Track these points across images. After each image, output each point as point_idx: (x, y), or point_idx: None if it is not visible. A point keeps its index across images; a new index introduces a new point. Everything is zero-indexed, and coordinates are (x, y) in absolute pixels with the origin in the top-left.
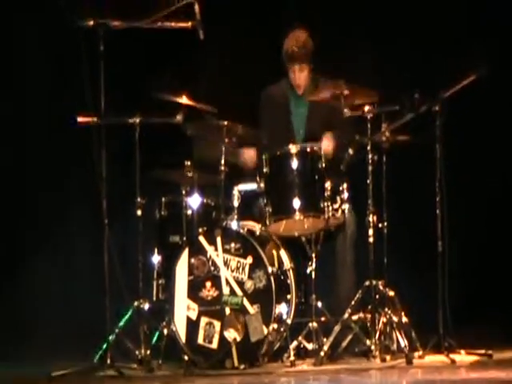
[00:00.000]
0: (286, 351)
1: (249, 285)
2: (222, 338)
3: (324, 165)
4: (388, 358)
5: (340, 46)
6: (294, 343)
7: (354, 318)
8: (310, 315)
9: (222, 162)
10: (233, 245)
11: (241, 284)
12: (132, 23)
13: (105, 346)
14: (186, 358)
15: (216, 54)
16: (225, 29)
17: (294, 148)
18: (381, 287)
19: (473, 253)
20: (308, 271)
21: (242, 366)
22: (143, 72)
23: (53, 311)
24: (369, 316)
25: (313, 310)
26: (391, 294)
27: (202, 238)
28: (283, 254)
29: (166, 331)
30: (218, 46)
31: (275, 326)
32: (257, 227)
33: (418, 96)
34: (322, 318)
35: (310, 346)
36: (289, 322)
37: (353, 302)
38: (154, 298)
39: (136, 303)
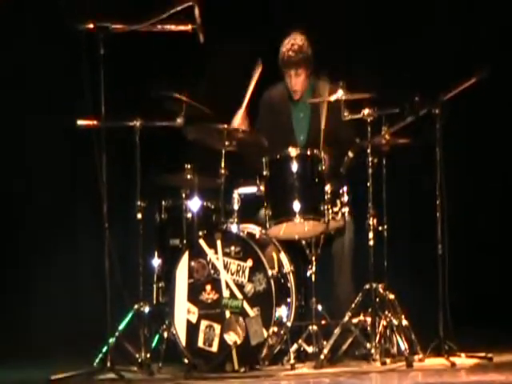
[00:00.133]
0: (286, 354)
1: (249, 288)
2: (222, 341)
3: (324, 168)
4: (388, 361)
5: (340, 47)
6: (294, 346)
7: (354, 321)
8: (310, 318)
9: (222, 165)
10: (233, 248)
11: (241, 287)
12: (132, 26)
13: (105, 349)
14: (186, 361)
15: (216, 57)
16: (225, 32)
17: (293, 151)
18: (381, 290)
19: (473, 256)
20: (308, 274)
21: (242, 369)
22: (143, 75)
23: (53, 314)
24: (369, 319)
25: (313, 313)
26: (391, 296)
27: (202, 241)
28: (283, 257)
29: (166, 334)
30: (218, 50)
31: (275, 329)
32: (257, 230)
33: (418, 99)
34: (322, 321)
35: (310, 349)
36: (289, 325)
37: (353, 305)
38: (154, 301)
39: (136, 306)
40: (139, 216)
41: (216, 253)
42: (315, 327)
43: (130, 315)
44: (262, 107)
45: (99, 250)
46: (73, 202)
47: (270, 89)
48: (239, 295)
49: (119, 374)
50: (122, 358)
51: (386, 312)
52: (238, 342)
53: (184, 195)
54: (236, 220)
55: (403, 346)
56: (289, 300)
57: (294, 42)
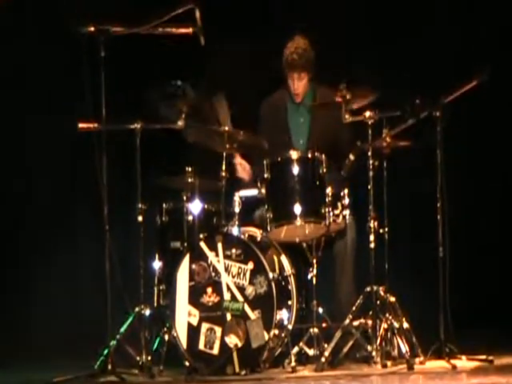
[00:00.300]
0: (287, 357)
1: (250, 290)
2: (223, 344)
3: (325, 170)
4: (389, 363)
5: (340, 47)
6: (295, 349)
7: (355, 323)
8: (311, 321)
9: (223, 167)
10: (234, 251)
11: (242, 290)
12: (133, 29)
13: (106, 351)
14: (187, 363)
15: (216, 60)
16: (225, 32)
17: (294, 154)
18: (382, 293)
19: (474, 259)
20: (309, 277)
21: (243, 372)
22: (144, 77)
23: (53, 315)
24: (370, 322)
25: (314, 315)
26: (392, 299)
27: (202, 244)
28: (284, 259)
29: (167, 337)
30: (219, 53)
31: (276, 331)
32: (258, 233)
33: (419, 101)
34: (323, 324)
35: (311, 352)
36: (290, 327)
37: (354, 308)
38: (155, 304)
39: (137, 309)
40: (140, 218)
41: (217, 255)
42: (316, 330)
43: (130, 318)
44: (261, 116)
45: (99, 252)
46: (73, 202)
47: (268, 98)
48: (240, 298)
49: (120, 377)
50: (122, 361)
51: (387, 314)
52: (239, 345)
53: (185, 198)
54: (237, 223)
55: (404, 348)
56: (290, 303)
57: (297, 46)
